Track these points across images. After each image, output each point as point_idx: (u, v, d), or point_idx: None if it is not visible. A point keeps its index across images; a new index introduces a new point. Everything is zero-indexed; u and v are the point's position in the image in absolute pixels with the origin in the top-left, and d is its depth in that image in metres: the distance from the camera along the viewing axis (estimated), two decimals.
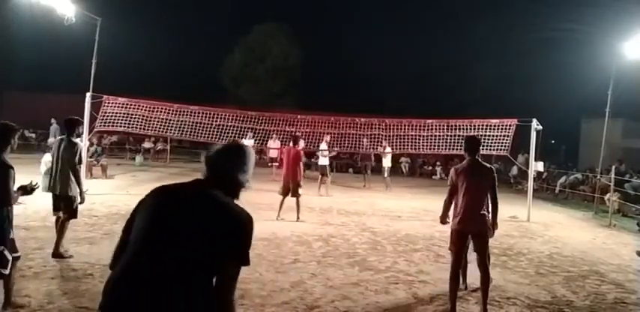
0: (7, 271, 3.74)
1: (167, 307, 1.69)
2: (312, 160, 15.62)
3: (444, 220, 4.80)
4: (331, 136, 13.42)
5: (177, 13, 32.81)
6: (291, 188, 8.75)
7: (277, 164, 14.76)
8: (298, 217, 8.73)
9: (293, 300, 4.59)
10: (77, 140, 5.63)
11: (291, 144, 9.20)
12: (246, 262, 1.82)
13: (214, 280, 1.76)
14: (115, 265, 1.84)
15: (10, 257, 3.75)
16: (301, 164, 9.06)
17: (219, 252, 1.75)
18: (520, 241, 7.97)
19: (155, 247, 1.76)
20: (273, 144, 14.32)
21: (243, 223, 1.84)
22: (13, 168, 3.79)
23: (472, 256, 4.76)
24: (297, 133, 11.21)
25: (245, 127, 12.89)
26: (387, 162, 14.57)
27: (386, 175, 14.71)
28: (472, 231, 4.52)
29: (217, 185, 1.93)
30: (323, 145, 13.42)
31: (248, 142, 14.07)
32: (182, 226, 1.77)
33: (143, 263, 1.74)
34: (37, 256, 5.46)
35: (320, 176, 13.38)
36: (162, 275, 1.70)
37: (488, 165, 4.70)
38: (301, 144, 9.21)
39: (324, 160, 13.60)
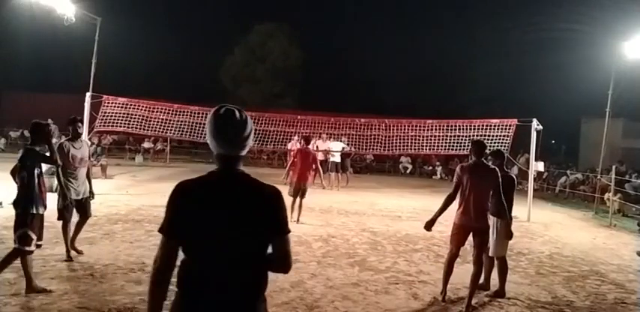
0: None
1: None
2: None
3: (431, 225, 4.65)
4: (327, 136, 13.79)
5: (177, 13, 32.86)
6: (302, 190, 8.67)
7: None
8: (298, 219, 8.57)
9: (293, 300, 4.59)
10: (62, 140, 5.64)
11: (304, 145, 9.07)
12: (289, 230, 1.90)
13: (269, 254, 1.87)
14: (164, 276, 1.81)
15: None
16: (318, 165, 9.10)
17: (269, 231, 1.85)
18: (520, 241, 7.94)
19: (221, 252, 1.80)
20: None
21: (276, 199, 1.88)
22: None
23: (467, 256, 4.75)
24: (308, 134, 11.42)
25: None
26: (336, 158, 14.15)
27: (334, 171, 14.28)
28: (473, 227, 4.60)
29: (235, 164, 1.89)
30: (336, 145, 13.72)
31: (325, 144, 14.05)
32: (234, 223, 1.80)
33: (218, 274, 1.80)
34: (37, 256, 5.43)
35: (334, 173, 13.91)
36: (237, 278, 1.80)
37: (492, 166, 4.83)
38: (312, 145, 9.23)
39: (336, 158, 13.97)
